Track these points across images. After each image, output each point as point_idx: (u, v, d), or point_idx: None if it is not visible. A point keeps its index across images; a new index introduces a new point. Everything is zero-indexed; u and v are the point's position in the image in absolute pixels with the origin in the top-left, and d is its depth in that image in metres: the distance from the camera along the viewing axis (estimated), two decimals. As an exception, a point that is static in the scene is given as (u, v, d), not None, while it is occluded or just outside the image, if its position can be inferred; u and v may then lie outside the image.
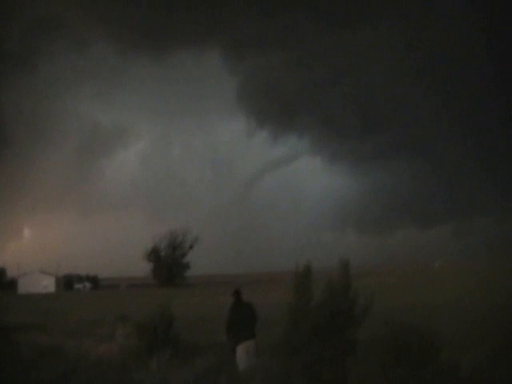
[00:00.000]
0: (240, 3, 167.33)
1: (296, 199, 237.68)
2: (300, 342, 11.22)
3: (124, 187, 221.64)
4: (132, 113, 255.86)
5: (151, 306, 15.38)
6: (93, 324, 25.16)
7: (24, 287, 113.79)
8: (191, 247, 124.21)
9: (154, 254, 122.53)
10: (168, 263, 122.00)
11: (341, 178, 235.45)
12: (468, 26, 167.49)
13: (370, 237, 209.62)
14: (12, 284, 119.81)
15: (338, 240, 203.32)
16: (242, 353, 12.51)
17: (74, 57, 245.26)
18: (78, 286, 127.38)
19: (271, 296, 50.52)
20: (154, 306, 15.30)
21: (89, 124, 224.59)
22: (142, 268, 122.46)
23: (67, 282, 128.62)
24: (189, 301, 53.07)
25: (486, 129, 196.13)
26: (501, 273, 59.62)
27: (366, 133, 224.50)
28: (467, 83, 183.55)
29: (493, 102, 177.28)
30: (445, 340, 10.45)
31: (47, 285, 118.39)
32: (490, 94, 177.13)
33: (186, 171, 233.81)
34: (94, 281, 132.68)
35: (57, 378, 11.29)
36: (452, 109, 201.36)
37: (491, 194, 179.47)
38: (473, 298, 35.25)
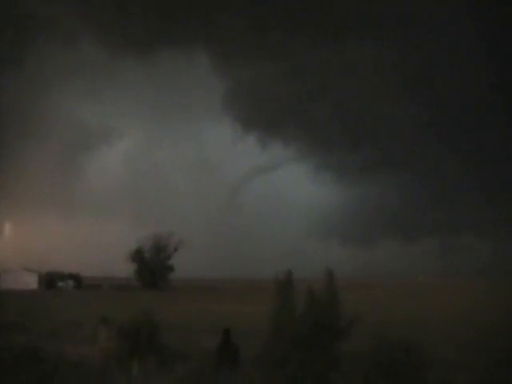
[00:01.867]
0: (231, 12, 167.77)
1: (281, 206, 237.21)
2: (282, 353, 11.07)
3: (108, 188, 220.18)
4: (118, 114, 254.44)
5: (134, 309, 15.19)
6: (74, 325, 24.89)
7: (6, 284, 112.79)
8: (176, 250, 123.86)
9: (137, 255, 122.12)
10: (152, 265, 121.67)
11: (326, 188, 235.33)
12: (456, 41, 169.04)
13: (354, 248, 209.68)
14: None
15: (322, 250, 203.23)
16: None
17: (62, 56, 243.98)
18: (60, 284, 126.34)
19: (254, 305, 50.38)
20: (137, 309, 15.12)
21: (73, 124, 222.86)
22: (124, 269, 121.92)
23: (50, 280, 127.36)
24: (173, 307, 52.80)
25: (475, 144, 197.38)
26: (487, 289, 59.90)
27: (352, 145, 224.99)
28: (456, 96, 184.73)
29: (482, 117, 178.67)
30: (434, 356, 10.39)
31: (30, 282, 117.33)
32: (479, 109, 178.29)
33: (171, 174, 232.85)
34: (76, 279, 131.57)
35: (36, 380, 11.09)
36: (441, 123, 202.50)
37: (479, 210, 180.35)
38: (458, 313, 35.34)
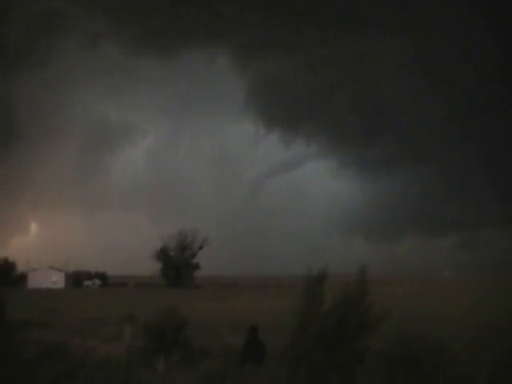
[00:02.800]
0: (251, 9, 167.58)
1: (303, 203, 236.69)
2: (306, 348, 10.98)
3: (130, 185, 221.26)
4: (140, 112, 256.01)
5: (159, 307, 15.22)
6: (100, 322, 25.05)
7: (34, 282, 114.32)
8: (201, 248, 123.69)
9: (162, 254, 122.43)
10: (177, 263, 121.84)
11: (349, 184, 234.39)
12: (474, 38, 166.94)
13: (377, 244, 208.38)
14: (22, 279, 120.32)
15: (345, 246, 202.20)
16: None
17: (85, 55, 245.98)
18: (87, 282, 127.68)
19: (279, 301, 50.26)
20: (162, 306, 15.15)
21: (96, 122, 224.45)
22: (149, 267, 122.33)
23: (76, 279, 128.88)
24: (197, 304, 52.91)
25: (499, 140, 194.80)
26: (509, 286, 59.05)
27: (374, 139, 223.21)
28: (479, 92, 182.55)
29: (506, 110, 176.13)
30: (458, 353, 10.22)
31: (57, 281, 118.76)
32: (503, 102, 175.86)
33: (193, 171, 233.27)
34: (102, 278, 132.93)
35: (61, 377, 11.14)
36: (463, 118, 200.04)
37: (500, 206, 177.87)
38: (484, 310, 34.85)
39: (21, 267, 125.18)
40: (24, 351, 13.33)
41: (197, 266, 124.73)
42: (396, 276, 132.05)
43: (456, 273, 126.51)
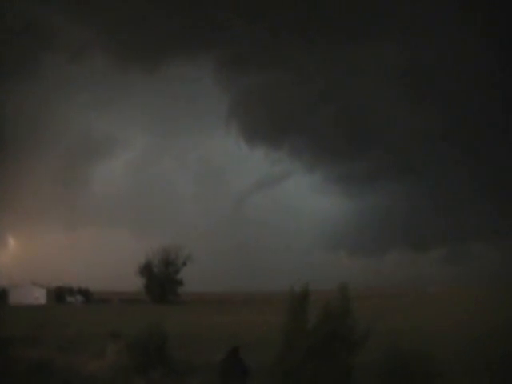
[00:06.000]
0: (236, 21, 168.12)
1: (288, 218, 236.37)
2: (294, 364, 11.04)
3: (112, 200, 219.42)
4: (124, 125, 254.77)
5: (143, 324, 15.20)
6: (84, 340, 24.89)
7: (15, 298, 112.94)
8: (184, 264, 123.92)
9: (146, 270, 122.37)
10: (161, 279, 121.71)
11: (333, 199, 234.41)
12: (465, 49, 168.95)
13: (363, 259, 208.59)
14: (2, 295, 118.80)
15: (330, 261, 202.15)
16: None
17: (69, 67, 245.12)
18: (69, 299, 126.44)
19: (264, 317, 50.22)
20: (146, 323, 15.13)
21: (79, 135, 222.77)
22: (133, 283, 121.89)
23: (59, 295, 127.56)
24: (182, 320, 52.71)
25: (485, 152, 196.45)
26: (497, 299, 59.43)
27: (359, 154, 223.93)
28: (466, 105, 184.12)
29: (494, 125, 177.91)
30: (447, 366, 10.32)
31: (39, 297, 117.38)
32: (491, 116, 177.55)
33: (177, 186, 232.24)
34: (85, 294, 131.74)
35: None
36: (450, 131, 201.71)
37: (487, 219, 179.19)
38: (470, 324, 35.07)
39: (0, 283, 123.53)
40: (8, 368, 13.27)
41: (180, 282, 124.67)
42: (381, 291, 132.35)
43: (442, 287, 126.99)
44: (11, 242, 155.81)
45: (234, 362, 13.29)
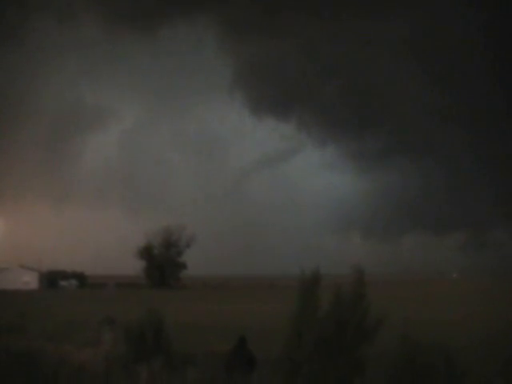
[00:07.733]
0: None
1: (294, 197, 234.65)
2: (303, 356, 10.89)
3: (104, 175, 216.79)
4: (116, 92, 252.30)
5: (142, 310, 15.09)
6: (76, 327, 24.89)
7: (3, 283, 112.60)
8: (188, 245, 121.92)
9: (146, 252, 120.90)
10: (161, 262, 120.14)
11: (344, 176, 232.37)
12: (477, 24, 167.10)
13: (377, 242, 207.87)
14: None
15: (342, 244, 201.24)
16: None
17: (60, 33, 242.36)
18: (63, 283, 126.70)
19: (271, 304, 50.26)
20: (144, 309, 15.02)
21: (69, 103, 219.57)
22: (132, 266, 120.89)
23: (51, 279, 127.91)
24: (183, 306, 52.84)
25: (506, 137, 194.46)
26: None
27: (370, 128, 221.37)
28: (483, 80, 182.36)
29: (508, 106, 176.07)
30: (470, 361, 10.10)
31: (29, 281, 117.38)
32: (508, 96, 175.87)
33: (174, 160, 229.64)
34: (80, 278, 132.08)
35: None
36: (466, 108, 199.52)
37: (506, 205, 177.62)
38: (495, 314, 34.99)
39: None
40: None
41: (183, 266, 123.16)
42: (397, 277, 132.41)
43: (463, 275, 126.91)
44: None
45: (242, 354, 13.23)
